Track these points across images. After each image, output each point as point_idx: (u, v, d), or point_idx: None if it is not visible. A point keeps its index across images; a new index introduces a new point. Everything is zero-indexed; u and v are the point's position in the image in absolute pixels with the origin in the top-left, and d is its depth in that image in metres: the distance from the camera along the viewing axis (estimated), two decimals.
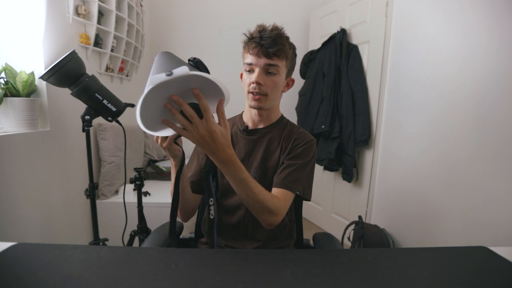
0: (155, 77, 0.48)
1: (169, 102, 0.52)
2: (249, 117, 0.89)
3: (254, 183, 0.67)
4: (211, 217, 0.75)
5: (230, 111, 1.02)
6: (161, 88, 0.50)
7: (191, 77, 0.50)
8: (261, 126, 0.88)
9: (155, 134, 0.59)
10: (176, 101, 0.52)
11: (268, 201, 0.69)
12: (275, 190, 0.77)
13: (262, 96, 0.79)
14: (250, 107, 0.82)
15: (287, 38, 0.80)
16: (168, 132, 0.60)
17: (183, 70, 0.48)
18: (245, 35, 0.79)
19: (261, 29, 0.77)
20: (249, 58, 0.78)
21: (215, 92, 0.56)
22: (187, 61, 0.60)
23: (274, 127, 0.88)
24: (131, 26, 1.95)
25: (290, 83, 0.87)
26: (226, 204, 0.87)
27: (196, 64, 0.60)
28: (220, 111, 0.58)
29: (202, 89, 0.54)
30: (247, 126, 0.88)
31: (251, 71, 0.79)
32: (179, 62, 0.57)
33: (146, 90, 0.49)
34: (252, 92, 0.79)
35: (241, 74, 0.86)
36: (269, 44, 0.74)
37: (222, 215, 0.88)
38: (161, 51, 0.61)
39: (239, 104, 0.94)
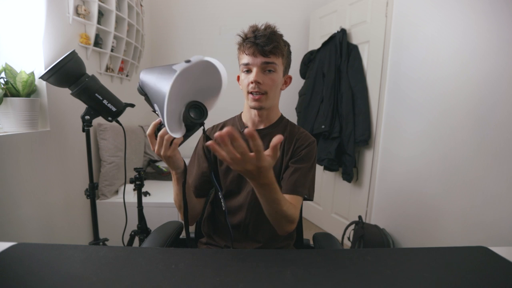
0: (179, 66, 0.50)
1: (212, 142, 0.49)
2: (249, 117, 0.88)
3: (284, 199, 0.67)
4: (223, 208, 0.77)
5: (229, 112, 1.03)
6: (178, 81, 0.51)
7: (206, 63, 0.53)
8: (261, 127, 0.87)
9: (171, 134, 0.57)
10: (224, 136, 0.47)
11: (292, 213, 0.70)
12: (286, 197, 0.76)
13: (262, 95, 0.78)
14: (251, 107, 0.82)
15: (281, 35, 0.80)
16: (179, 134, 0.60)
17: (199, 57, 0.51)
18: (240, 35, 0.79)
19: (255, 29, 0.77)
20: (246, 59, 0.77)
21: (215, 85, 0.58)
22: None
23: (274, 128, 0.87)
24: (131, 26, 1.95)
25: (287, 80, 0.87)
26: (228, 205, 0.87)
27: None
28: (275, 147, 0.52)
29: (204, 88, 0.56)
30: (247, 127, 0.87)
31: (248, 71, 0.79)
32: (168, 66, 0.58)
33: (172, 79, 0.50)
34: (251, 92, 0.78)
35: (238, 77, 0.86)
36: (264, 42, 0.74)
37: (222, 216, 0.88)
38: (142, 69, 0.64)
39: (238, 104, 0.94)
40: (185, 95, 0.58)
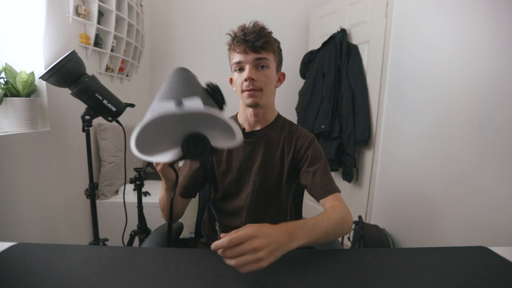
0: (163, 106, 0.42)
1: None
2: (245, 118, 0.86)
3: (320, 218, 0.64)
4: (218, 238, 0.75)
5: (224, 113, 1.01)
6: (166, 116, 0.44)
7: (204, 114, 0.44)
8: (258, 128, 0.86)
9: (149, 159, 0.52)
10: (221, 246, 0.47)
11: (338, 215, 0.67)
12: (327, 201, 0.76)
13: (257, 91, 0.77)
14: (247, 105, 0.80)
15: (271, 32, 0.79)
16: (163, 158, 0.56)
17: (196, 105, 0.42)
18: (229, 34, 0.78)
19: (243, 27, 0.76)
20: (237, 57, 0.76)
21: (226, 130, 0.48)
22: (204, 84, 0.56)
23: (271, 128, 0.86)
24: (131, 26, 1.95)
25: (281, 77, 0.86)
26: (227, 207, 0.87)
27: (213, 91, 0.55)
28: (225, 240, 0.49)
29: (212, 124, 0.48)
30: (243, 129, 0.86)
31: (241, 69, 0.77)
32: (193, 87, 0.51)
33: (149, 117, 0.41)
34: (246, 90, 0.76)
35: (231, 79, 0.84)
36: (254, 38, 0.73)
37: (222, 217, 0.88)
38: (178, 66, 0.55)
39: (234, 105, 0.91)
40: (185, 121, 0.50)
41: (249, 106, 0.80)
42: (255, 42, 0.73)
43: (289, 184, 0.87)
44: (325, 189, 0.77)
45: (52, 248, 0.60)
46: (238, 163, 0.85)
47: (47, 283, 0.47)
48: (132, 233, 1.32)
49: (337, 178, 2.19)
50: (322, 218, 0.64)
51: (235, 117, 0.90)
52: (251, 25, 0.76)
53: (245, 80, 0.75)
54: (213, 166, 0.56)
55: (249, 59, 0.75)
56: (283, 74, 0.86)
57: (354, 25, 2.01)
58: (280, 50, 0.84)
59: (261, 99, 0.78)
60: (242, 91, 0.78)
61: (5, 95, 1.13)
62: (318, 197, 0.78)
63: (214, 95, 0.55)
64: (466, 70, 1.23)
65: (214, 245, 0.48)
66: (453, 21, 1.30)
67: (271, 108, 0.87)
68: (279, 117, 0.89)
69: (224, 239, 0.47)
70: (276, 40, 0.80)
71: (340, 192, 0.79)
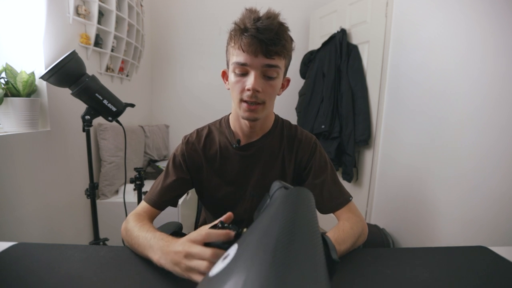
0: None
1: None
2: (239, 128, 0.74)
3: (337, 244, 0.58)
4: None
5: (217, 113, 0.94)
6: None
7: None
8: (254, 138, 0.76)
9: None
10: None
11: (357, 231, 0.65)
12: (340, 214, 0.72)
13: (259, 105, 0.64)
14: (243, 118, 0.67)
15: (287, 28, 0.64)
16: None
17: None
18: (237, 24, 0.61)
19: (256, 19, 0.59)
20: (242, 57, 0.60)
21: None
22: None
23: (269, 137, 0.76)
24: (131, 26, 1.95)
25: (285, 83, 0.73)
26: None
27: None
28: None
29: None
30: (239, 141, 0.75)
31: (244, 73, 0.63)
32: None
33: None
34: (246, 101, 0.63)
35: (223, 72, 0.71)
36: (270, 39, 0.58)
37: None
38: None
39: (227, 105, 0.81)
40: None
41: (245, 119, 0.68)
42: (271, 45, 0.58)
43: None
44: (336, 202, 0.72)
45: (52, 248, 0.60)
46: (233, 176, 0.77)
47: (47, 283, 0.47)
48: None
49: None
50: (339, 240, 0.60)
51: (226, 120, 0.79)
52: (265, 16, 0.59)
53: (248, 90, 0.62)
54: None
55: (258, 65, 0.60)
56: (288, 80, 0.74)
57: (354, 25, 2.01)
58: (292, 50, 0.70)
59: (262, 114, 0.66)
60: (241, 100, 0.64)
61: (6, 95, 1.13)
62: (329, 211, 0.73)
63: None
64: (467, 71, 1.23)
65: None
66: (454, 22, 1.30)
67: (270, 116, 0.76)
68: (276, 121, 0.79)
69: None
70: (292, 40, 0.67)
71: (351, 199, 0.74)
